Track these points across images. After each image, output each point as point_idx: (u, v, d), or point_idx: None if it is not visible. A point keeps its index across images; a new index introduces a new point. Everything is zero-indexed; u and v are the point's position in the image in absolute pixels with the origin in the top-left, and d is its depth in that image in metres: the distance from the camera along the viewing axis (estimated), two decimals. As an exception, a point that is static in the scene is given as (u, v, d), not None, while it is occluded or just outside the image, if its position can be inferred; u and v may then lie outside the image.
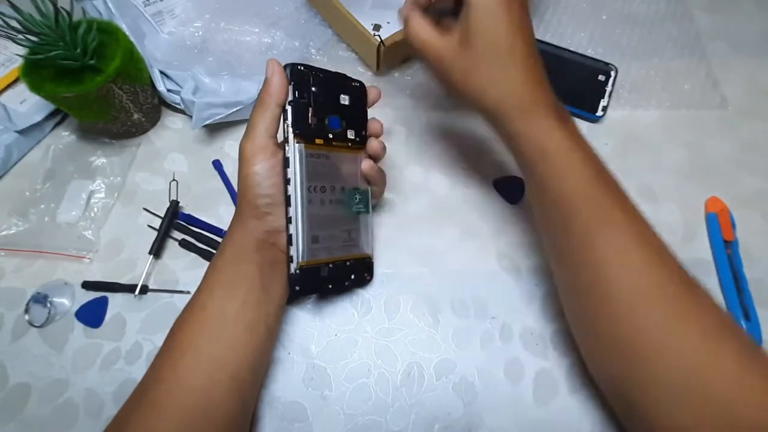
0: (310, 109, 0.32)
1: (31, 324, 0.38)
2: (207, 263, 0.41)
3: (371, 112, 0.37)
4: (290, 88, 0.32)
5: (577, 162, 0.30)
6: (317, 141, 0.33)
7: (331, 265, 0.34)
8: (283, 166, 0.32)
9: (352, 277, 0.36)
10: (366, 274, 0.38)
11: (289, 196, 0.31)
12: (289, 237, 0.32)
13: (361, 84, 0.36)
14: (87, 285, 0.39)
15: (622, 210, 0.30)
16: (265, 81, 0.32)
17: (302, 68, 0.32)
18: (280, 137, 0.33)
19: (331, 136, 0.34)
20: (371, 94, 0.37)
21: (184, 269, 0.41)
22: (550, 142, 0.30)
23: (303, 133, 0.32)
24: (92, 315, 0.39)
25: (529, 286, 0.40)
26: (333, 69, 0.36)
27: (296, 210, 0.31)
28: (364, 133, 0.36)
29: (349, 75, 0.35)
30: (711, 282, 0.41)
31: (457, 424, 0.35)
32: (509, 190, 0.44)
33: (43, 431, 0.35)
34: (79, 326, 0.38)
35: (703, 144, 0.47)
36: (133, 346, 0.38)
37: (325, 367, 0.37)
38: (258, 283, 0.31)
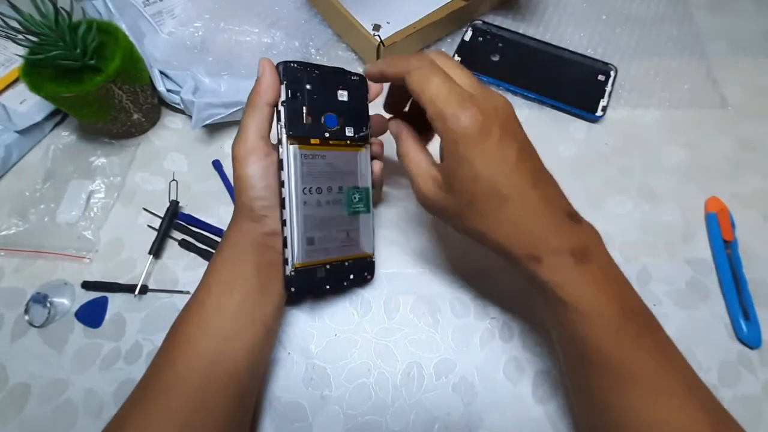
0: (305, 108, 0.31)
1: (31, 324, 0.38)
2: (207, 263, 0.41)
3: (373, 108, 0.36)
4: (283, 87, 0.31)
5: (601, 309, 0.26)
6: (312, 141, 0.32)
7: (328, 266, 0.33)
8: (277, 168, 0.31)
9: (351, 277, 0.35)
10: (366, 274, 0.37)
11: (284, 198, 0.31)
12: (284, 239, 0.31)
13: (362, 77, 0.34)
14: (87, 285, 0.39)
15: (650, 358, 0.27)
16: (256, 80, 0.31)
17: (296, 65, 0.31)
18: (274, 138, 0.32)
19: (327, 135, 0.32)
20: (373, 88, 0.35)
21: (184, 269, 0.41)
22: (569, 290, 0.26)
23: (297, 134, 0.31)
24: (92, 315, 0.39)
25: (529, 286, 0.40)
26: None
27: (290, 213, 0.31)
28: (364, 129, 0.34)
29: (347, 69, 0.34)
30: (711, 282, 0.41)
31: (456, 424, 0.35)
32: (509, 190, 0.44)
33: (43, 431, 0.35)
34: (79, 326, 0.38)
35: (703, 144, 0.47)
36: (133, 346, 0.38)
37: (324, 367, 0.37)
38: (255, 282, 0.31)
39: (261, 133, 0.31)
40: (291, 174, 0.31)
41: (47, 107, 0.46)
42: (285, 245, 0.32)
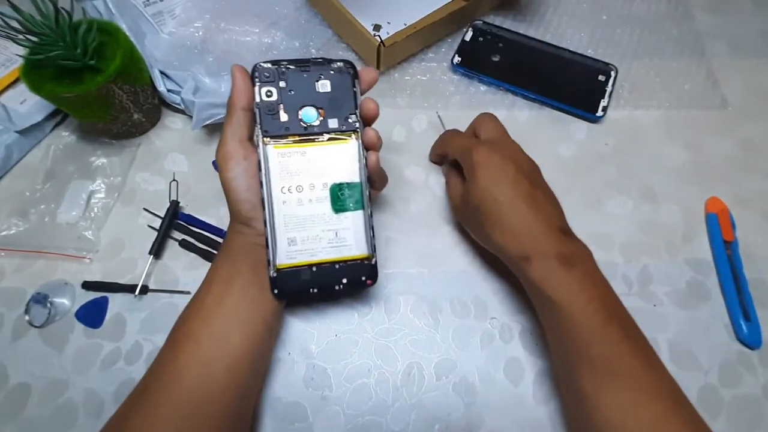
0: (281, 106, 0.31)
1: (31, 324, 0.38)
2: (207, 263, 0.41)
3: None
4: (256, 89, 0.31)
5: (584, 307, 0.30)
6: (291, 138, 0.31)
7: (314, 268, 0.31)
8: (257, 169, 0.31)
9: (345, 281, 0.32)
10: (365, 278, 0.32)
11: (263, 199, 0.31)
12: (266, 240, 0.31)
13: (344, 64, 0.32)
14: (87, 285, 0.39)
15: (634, 356, 0.29)
16: (231, 88, 0.32)
17: (268, 65, 0.31)
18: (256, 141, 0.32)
19: (306, 130, 0.31)
20: (366, 75, 0.33)
21: (184, 269, 0.41)
22: (554, 291, 0.31)
23: (273, 133, 0.31)
24: (92, 315, 0.39)
25: (527, 289, 0.40)
26: None
27: (269, 212, 0.31)
28: (352, 118, 0.32)
29: (331, 57, 0.33)
30: (711, 282, 0.41)
31: (457, 424, 0.35)
32: (509, 190, 0.44)
33: (43, 431, 0.35)
34: (79, 326, 0.38)
35: (703, 144, 0.47)
36: (133, 346, 0.38)
37: (325, 368, 0.37)
38: (253, 280, 0.31)
39: (238, 137, 0.31)
40: (267, 173, 0.31)
41: (47, 107, 0.46)
42: (267, 246, 0.31)
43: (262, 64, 0.31)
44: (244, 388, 0.31)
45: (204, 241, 0.42)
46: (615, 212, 0.44)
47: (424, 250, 0.42)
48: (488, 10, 0.55)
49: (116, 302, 0.39)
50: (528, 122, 0.49)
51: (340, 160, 0.32)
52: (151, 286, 0.40)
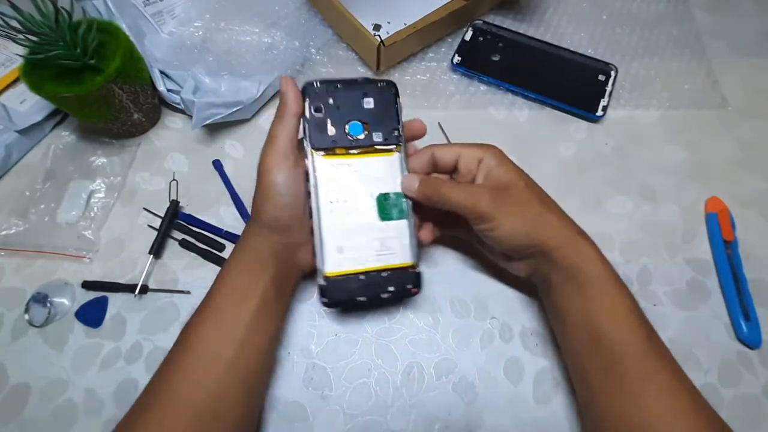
0: (329, 120, 0.33)
1: (31, 324, 0.38)
2: (207, 263, 0.41)
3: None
4: (306, 104, 0.32)
5: (617, 295, 0.30)
6: (338, 150, 0.33)
7: (362, 276, 0.32)
8: (304, 180, 0.32)
9: (391, 288, 0.33)
10: (410, 286, 0.33)
11: (311, 208, 0.32)
12: (313, 248, 0.32)
13: (389, 83, 0.35)
14: (87, 285, 0.39)
15: (662, 352, 0.30)
16: (281, 96, 0.32)
17: (318, 84, 0.33)
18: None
19: (353, 143, 0.33)
20: (414, 125, 0.36)
21: (184, 269, 0.41)
22: (589, 267, 0.30)
23: (321, 146, 0.32)
24: (92, 315, 0.39)
25: (529, 286, 0.40)
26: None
27: (317, 221, 0.31)
28: (396, 132, 0.34)
29: (375, 78, 0.35)
30: (711, 282, 0.41)
31: (457, 423, 0.35)
32: (509, 190, 0.44)
33: (43, 431, 0.35)
34: (79, 326, 0.38)
35: (703, 144, 0.47)
36: (133, 346, 0.38)
37: (325, 367, 0.37)
38: (273, 292, 0.31)
39: (291, 141, 0.32)
40: (316, 183, 0.32)
41: (47, 107, 0.46)
42: (314, 255, 0.32)
43: (313, 83, 0.33)
44: (255, 395, 0.31)
45: (204, 240, 0.42)
46: (615, 212, 0.44)
47: (424, 250, 0.42)
48: (488, 10, 0.55)
49: (116, 302, 0.39)
50: (528, 122, 0.49)
51: (384, 171, 0.34)
52: (151, 286, 0.40)
